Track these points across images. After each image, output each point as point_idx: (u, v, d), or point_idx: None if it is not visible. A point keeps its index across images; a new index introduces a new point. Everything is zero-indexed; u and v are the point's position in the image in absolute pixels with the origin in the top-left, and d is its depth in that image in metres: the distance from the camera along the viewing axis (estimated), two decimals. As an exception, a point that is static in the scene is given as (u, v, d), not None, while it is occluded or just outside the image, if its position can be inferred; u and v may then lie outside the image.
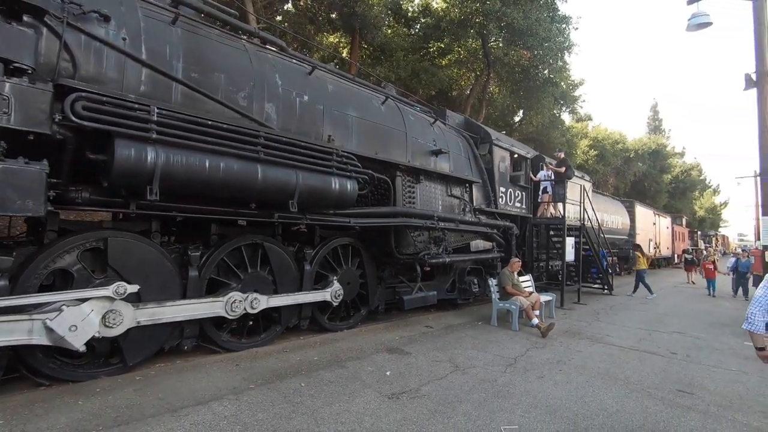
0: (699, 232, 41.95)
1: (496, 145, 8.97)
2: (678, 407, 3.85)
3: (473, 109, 17.52)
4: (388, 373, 4.45)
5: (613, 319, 8.26)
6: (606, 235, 15.37)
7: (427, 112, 8.23)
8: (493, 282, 7.43)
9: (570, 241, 10.20)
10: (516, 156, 9.88)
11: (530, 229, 10.38)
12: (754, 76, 8.12)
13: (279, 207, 4.92)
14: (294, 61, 5.78)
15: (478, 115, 16.75)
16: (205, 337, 4.81)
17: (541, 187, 10.51)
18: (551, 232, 10.71)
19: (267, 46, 5.62)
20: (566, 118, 25.75)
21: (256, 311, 4.97)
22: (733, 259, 13.75)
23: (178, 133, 3.89)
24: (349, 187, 5.46)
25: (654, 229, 23.79)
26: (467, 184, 8.19)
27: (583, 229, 10.89)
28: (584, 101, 21.81)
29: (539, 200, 10.50)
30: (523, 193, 9.92)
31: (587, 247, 11.34)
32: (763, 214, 8.40)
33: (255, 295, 4.96)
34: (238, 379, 4.08)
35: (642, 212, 21.72)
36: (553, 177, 10.32)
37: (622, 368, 5.00)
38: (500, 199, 8.96)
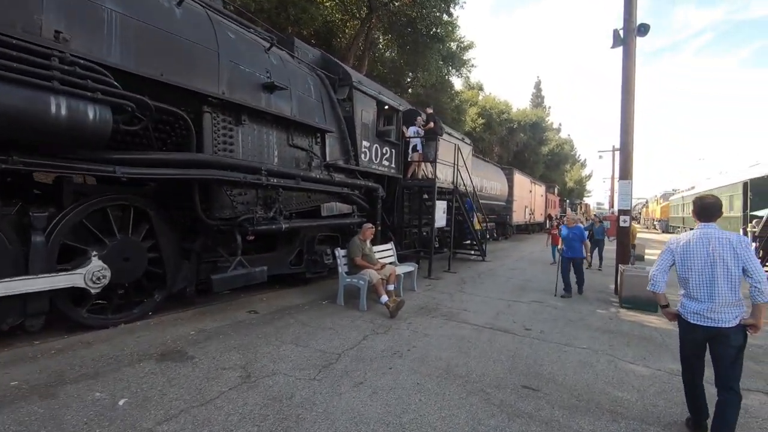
0: (568, 201, 46.73)
1: (358, 90, 7.45)
2: (518, 417, 2.91)
3: (357, 59, 15.83)
4: (121, 402, 2.85)
5: (477, 289, 7.64)
6: (485, 201, 15.30)
7: (264, 37, 6.35)
8: (341, 253, 6.15)
9: (441, 205, 9.39)
10: (386, 107, 8.58)
11: (401, 192, 9.30)
12: (622, 33, 7.76)
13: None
14: None
15: (361, 67, 15.16)
16: None
17: (411, 145, 9.44)
18: (425, 196, 9.82)
19: None
20: (457, 83, 25.49)
21: None
22: (587, 224, 12.77)
23: None
24: (91, 114, 3.55)
25: (530, 197, 25.17)
26: (318, 134, 6.66)
27: (457, 192, 10.20)
28: (474, 66, 21.42)
29: (409, 159, 9.44)
30: (393, 151, 8.72)
31: (461, 212, 10.74)
32: (620, 179, 8.32)
33: None
34: None
35: (520, 180, 22.59)
36: (422, 134, 9.27)
37: (467, 357, 4.06)
38: (363, 155, 7.60)
